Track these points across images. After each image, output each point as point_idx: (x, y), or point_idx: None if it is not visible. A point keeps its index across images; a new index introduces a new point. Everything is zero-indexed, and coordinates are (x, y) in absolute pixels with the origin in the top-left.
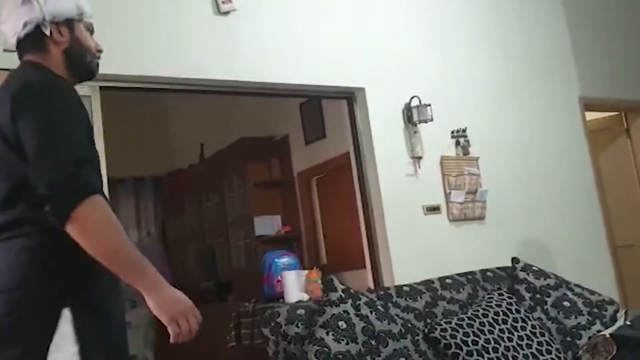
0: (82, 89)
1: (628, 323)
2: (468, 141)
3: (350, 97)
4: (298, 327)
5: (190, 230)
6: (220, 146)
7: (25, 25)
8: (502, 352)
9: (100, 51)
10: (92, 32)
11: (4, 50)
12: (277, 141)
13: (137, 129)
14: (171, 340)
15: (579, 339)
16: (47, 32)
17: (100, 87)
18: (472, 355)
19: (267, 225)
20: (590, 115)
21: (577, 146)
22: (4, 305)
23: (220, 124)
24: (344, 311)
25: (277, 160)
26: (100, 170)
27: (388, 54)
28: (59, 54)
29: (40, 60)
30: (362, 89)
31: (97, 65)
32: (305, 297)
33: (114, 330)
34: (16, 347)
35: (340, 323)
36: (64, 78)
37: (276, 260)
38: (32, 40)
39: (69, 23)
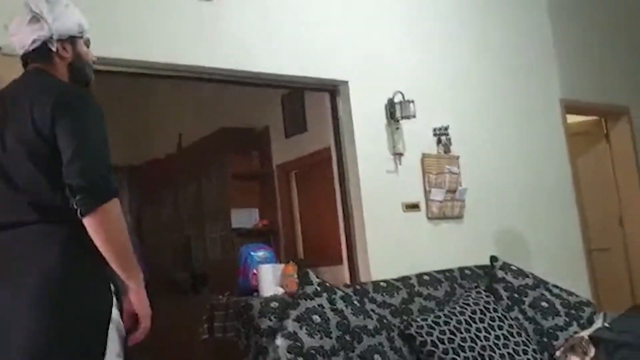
0: None
1: (607, 325)
2: (449, 139)
3: (333, 91)
4: (271, 321)
5: (166, 220)
6: (198, 136)
7: (33, 42)
8: (478, 352)
9: (94, 61)
10: (88, 45)
11: (3, 54)
12: (257, 133)
13: (113, 115)
14: (138, 335)
15: (556, 340)
16: (54, 49)
17: None
18: (447, 354)
19: (245, 218)
20: (571, 119)
21: (557, 149)
22: (59, 280)
23: (200, 114)
24: (318, 305)
25: (257, 152)
26: None
27: (373, 48)
28: (64, 67)
29: (49, 69)
30: (345, 83)
31: (92, 73)
32: (281, 291)
33: None
34: (76, 320)
35: (314, 317)
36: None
37: (252, 253)
38: (39, 54)
39: (72, 40)
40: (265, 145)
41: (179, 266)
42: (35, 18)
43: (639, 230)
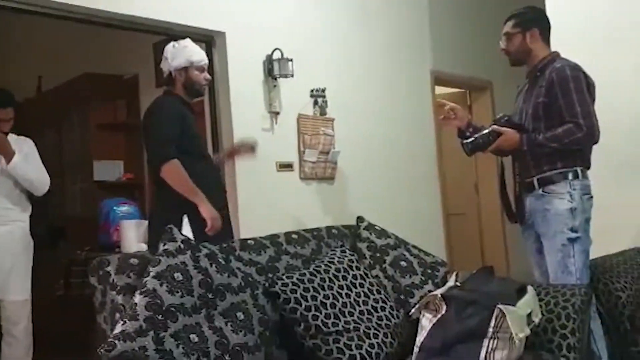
0: None
1: (458, 284)
2: (326, 102)
3: (209, 41)
4: (129, 277)
5: None
6: (60, 80)
7: (165, 72)
8: (339, 308)
9: (207, 81)
10: (202, 69)
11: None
12: (125, 81)
13: None
14: (209, 229)
15: (412, 297)
16: (173, 75)
17: None
18: (310, 310)
19: (108, 170)
20: (439, 90)
21: (424, 117)
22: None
23: (63, 56)
24: (181, 262)
25: (124, 101)
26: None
27: (253, 1)
28: (180, 86)
29: (171, 89)
30: (222, 34)
31: (204, 89)
32: (145, 247)
33: None
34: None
35: (176, 275)
36: (177, 97)
37: (115, 208)
38: (167, 79)
39: (185, 69)
40: (134, 95)
41: (34, 218)
42: (166, 58)
43: (492, 197)
